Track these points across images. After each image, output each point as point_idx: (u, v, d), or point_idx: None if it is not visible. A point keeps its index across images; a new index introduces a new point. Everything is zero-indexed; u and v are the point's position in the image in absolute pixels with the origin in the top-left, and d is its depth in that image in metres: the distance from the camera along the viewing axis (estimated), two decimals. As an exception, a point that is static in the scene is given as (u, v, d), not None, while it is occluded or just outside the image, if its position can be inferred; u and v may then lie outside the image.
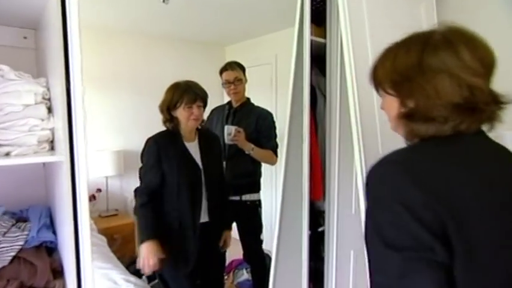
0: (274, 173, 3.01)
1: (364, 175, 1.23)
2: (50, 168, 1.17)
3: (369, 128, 1.29)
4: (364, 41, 1.31)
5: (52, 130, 1.04)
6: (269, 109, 2.08)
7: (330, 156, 1.53)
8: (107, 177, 2.60)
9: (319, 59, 1.55)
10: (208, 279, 1.67)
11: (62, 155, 0.94)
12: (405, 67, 0.66)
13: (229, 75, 1.93)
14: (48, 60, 1.09)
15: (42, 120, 1.03)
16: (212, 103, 2.60)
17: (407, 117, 0.67)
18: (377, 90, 0.76)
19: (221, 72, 1.98)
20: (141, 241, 1.41)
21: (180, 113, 1.52)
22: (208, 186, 1.57)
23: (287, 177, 1.51)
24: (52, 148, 1.07)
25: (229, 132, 1.77)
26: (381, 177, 0.61)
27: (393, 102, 0.71)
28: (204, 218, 1.57)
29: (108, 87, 2.81)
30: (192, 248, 1.50)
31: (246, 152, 1.82)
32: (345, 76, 1.34)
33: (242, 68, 1.97)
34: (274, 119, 2.00)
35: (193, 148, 1.58)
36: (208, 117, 2.13)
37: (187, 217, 1.50)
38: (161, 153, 1.50)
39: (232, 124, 1.91)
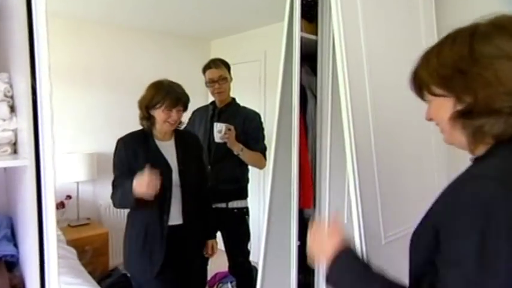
0: (261, 178, 3.03)
1: (357, 181, 1.24)
2: (12, 174, 1.14)
3: (362, 131, 1.30)
4: (357, 38, 1.33)
5: (15, 131, 1.00)
6: (257, 110, 2.09)
7: (320, 161, 1.54)
8: (77, 183, 2.54)
9: (310, 57, 1.55)
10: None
11: (26, 159, 0.91)
12: (455, 60, 0.63)
13: (213, 73, 1.92)
14: (11, 54, 1.05)
15: (4, 120, 1.00)
16: (196, 102, 2.59)
17: (467, 115, 0.62)
18: (421, 95, 0.70)
19: (204, 70, 1.97)
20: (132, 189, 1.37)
21: (158, 114, 1.55)
22: (184, 188, 1.58)
23: (275, 183, 1.51)
24: (15, 151, 1.03)
25: (220, 129, 1.76)
26: (480, 196, 0.55)
27: (445, 103, 0.65)
28: (177, 220, 1.58)
29: (79, 82, 2.74)
30: (158, 248, 1.52)
31: (235, 153, 1.82)
32: (337, 76, 1.35)
33: (227, 66, 1.97)
34: (262, 120, 2.00)
35: (168, 148, 1.60)
36: (190, 119, 2.12)
37: (154, 218, 1.52)
38: (130, 156, 1.53)
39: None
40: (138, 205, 1.42)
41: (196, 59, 3.67)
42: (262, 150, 1.92)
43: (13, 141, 1.03)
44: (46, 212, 0.88)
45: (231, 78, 1.99)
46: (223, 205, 1.95)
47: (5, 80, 1.04)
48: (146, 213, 1.53)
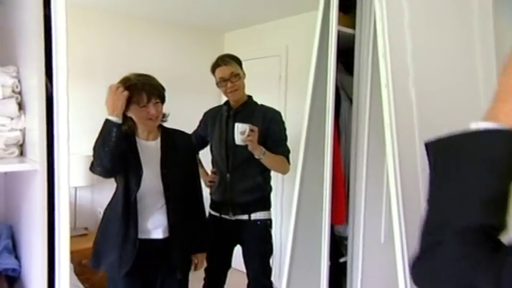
0: (280, 185, 3.02)
1: (400, 196, 1.23)
2: (15, 178, 1.16)
3: (406, 140, 1.29)
4: (402, 35, 1.32)
5: (23, 131, 1.03)
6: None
7: (355, 171, 1.54)
8: (75, 188, 2.57)
9: (344, 53, 1.55)
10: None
11: (36, 163, 0.92)
12: None
13: (223, 71, 1.92)
14: (19, 45, 1.07)
15: (12, 119, 1.01)
16: (208, 102, 2.61)
17: None
18: None
19: (213, 69, 1.97)
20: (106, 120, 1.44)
21: (135, 113, 1.56)
22: (169, 195, 1.58)
23: (302, 194, 1.51)
24: (21, 153, 1.05)
25: (243, 130, 1.75)
26: None
27: None
28: (157, 233, 1.59)
29: (78, 77, 2.77)
30: (128, 260, 1.52)
31: (257, 157, 1.82)
32: (377, 75, 1.34)
33: (238, 61, 1.96)
34: (283, 118, 2.01)
35: (151, 149, 1.61)
36: (201, 121, 2.14)
37: (131, 231, 1.53)
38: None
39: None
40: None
41: (208, 53, 3.64)
42: (286, 153, 1.92)
43: (20, 142, 1.05)
44: (59, 222, 0.90)
45: (244, 74, 1.99)
46: (245, 217, 1.95)
47: (12, 74, 1.05)
48: (120, 224, 1.54)
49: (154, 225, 1.58)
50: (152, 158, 1.60)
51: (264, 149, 1.82)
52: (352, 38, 1.53)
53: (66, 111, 0.89)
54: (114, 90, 1.45)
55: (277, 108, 2.19)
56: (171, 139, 1.68)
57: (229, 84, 1.91)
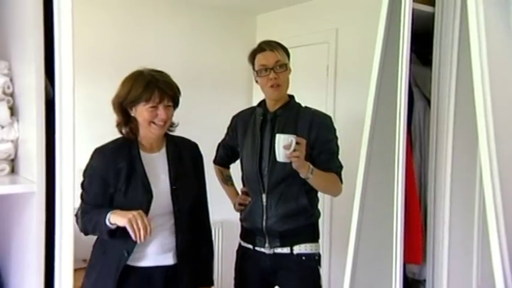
0: (328, 209, 2.98)
1: (503, 231, 1.16)
2: (5, 202, 1.16)
3: (508, 151, 1.23)
4: (500, 9, 1.27)
5: (15, 143, 1.03)
6: (324, 111, 2.07)
7: (435, 194, 1.48)
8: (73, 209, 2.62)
9: (419, 39, 1.51)
10: None
11: (32, 183, 0.93)
12: None
13: (267, 58, 1.91)
14: (12, 33, 1.09)
15: (2, 127, 1.02)
16: (237, 103, 2.58)
17: None
18: None
19: (253, 55, 1.97)
20: (107, 218, 1.53)
21: (140, 114, 1.62)
22: (179, 215, 1.66)
23: (363, 223, 1.47)
24: (12, 170, 1.06)
25: (287, 143, 1.70)
26: None
27: None
28: (163, 259, 1.66)
29: (82, 71, 2.84)
30: None
31: (303, 176, 1.80)
32: (464, 66, 1.30)
33: (286, 51, 1.97)
34: (335, 126, 1.99)
35: (157, 162, 1.69)
36: (229, 128, 2.14)
37: (120, 255, 1.60)
38: (108, 172, 1.61)
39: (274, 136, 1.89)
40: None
41: (235, 41, 3.68)
42: (338, 169, 1.89)
43: (12, 157, 1.06)
44: (60, 259, 0.89)
45: (290, 69, 1.99)
46: (286, 250, 1.91)
47: (3, 71, 1.06)
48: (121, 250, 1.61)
49: (163, 250, 1.65)
50: (159, 173, 1.67)
51: (311, 167, 1.78)
52: (430, 18, 1.48)
53: (71, 117, 0.89)
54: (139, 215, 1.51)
55: (324, 109, 2.16)
56: (177, 148, 1.75)
57: (271, 75, 1.90)
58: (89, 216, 1.60)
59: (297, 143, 1.69)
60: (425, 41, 1.54)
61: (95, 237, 2.58)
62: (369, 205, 1.48)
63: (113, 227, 1.53)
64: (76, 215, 1.64)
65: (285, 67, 1.91)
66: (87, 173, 1.66)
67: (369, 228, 1.48)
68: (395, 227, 1.39)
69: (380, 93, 1.48)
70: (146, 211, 1.57)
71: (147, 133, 1.66)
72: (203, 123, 2.98)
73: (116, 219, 1.50)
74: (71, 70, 0.88)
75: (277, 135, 1.72)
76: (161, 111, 1.60)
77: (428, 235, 1.51)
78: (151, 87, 1.58)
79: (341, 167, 1.90)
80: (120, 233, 1.55)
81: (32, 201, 0.94)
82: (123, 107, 1.64)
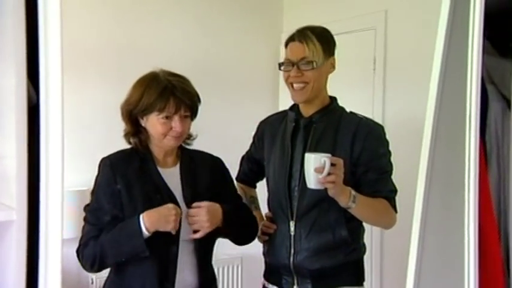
0: (378, 242, 2.93)
1: None
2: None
3: None
4: None
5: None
6: (370, 115, 2.07)
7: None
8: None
9: (492, 22, 1.52)
10: None
11: (10, 209, 0.96)
12: None
13: (293, 50, 1.92)
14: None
15: (-27, 140, 1.06)
16: (262, 108, 2.59)
17: None
18: None
19: (286, 44, 2.01)
20: (137, 223, 1.66)
21: (152, 125, 1.74)
22: (199, 241, 1.77)
23: (424, 264, 1.46)
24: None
25: (320, 165, 1.68)
26: None
27: None
28: None
29: (69, 72, 2.89)
30: None
31: (342, 206, 1.80)
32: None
33: (324, 45, 1.96)
34: (387, 137, 1.99)
35: (171, 179, 1.80)
36: (255, 137, 2.19)
37: None
38: (118, 185, 1.73)
39: (306, 150, 1.89)
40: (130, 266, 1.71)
41: (257, 29, 3.68)
42: (390, 194, 1.91)
43: (-15, 177, 1.10)
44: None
45: (333, 66, 1.99)
46: (323, 294, 1.95)
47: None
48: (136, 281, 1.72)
49: (182, 284, 1.77)
50: (175, 192, 1.78)
51: (353, 193, 1.78)
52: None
53: (60, 127, 0.92)
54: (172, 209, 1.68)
55: (370, 114, 2.17)
56: (194, 165, 1.86)
57: (293, 72, 1.92)
58: (107, 238, 1.69)
59: (332, 164, 1.69)
60: (503, 25, 1.54)
61: (84, 273, 2.61)
62: (431, 240, 1.47)
63: (149, 234, 1.65)
64: (78, 251, 1.75)
65: (312, 65, 1.91)
66: (96, 188, 1.78)
67: (432, 269, 1.48)
68: (466, 268, 1.38)
69: (443, 92, 1.47)
70: (177, 236, 1.71)
71: (160, 146, 1.78)
72: (216, 133, 3.06)
73: (152, 223, 1.64)
74: (59, 70, 0.92)
75: (306, 155, 1.74)
76: (176, 123, 1.70)
77: None
78: (166, 94, 1.67)
79: (395, 190, 1.92)
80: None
81: (10, 232, 0.98)
82: (132, 115, 1.74)
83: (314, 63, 1.91)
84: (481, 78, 1.48)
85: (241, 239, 1.98)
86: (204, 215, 1.72)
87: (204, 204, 1.74)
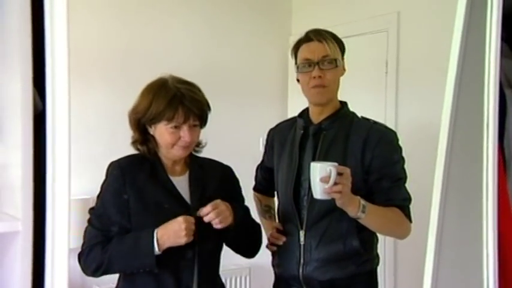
0: (392, 253, 2.92)
1: None
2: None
3: None
4: None
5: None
6: (382, 121, 2.08)
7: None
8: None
9: (510, 23, 1.52)
10: None
11: (15, 220, 0.96)
12: None
13: (312, 49, 1.92)
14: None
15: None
16: (267, 116, 2.57)
17: None
18: None
19: (298, 45, 2.01)
20: (151, 240, 1.68)
21: (160, 134, 1.77)
22: (201, 253, 1.79)
23: (441, 276, 1.46)
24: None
25: (326, 175, 1.68)
26: None
27: None
28: None
29: (80, 77, 2.91)
30: None
31: (351, 216, 1.80)
32: None
33: (340, 44, 2.00)
34: (400, 143, 1.99)
35: (180, 187, 1.83)
36: (267, 144, 2.21)
37: None
38: (126, 195, 1.76)
39: (316, 158, 1.92)
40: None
41: (265, 32, 3.65)
42: (404, 202, 1.91)
43: (-11, 186, 1.11)
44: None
45: (344, 69, 2.00)
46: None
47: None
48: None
49: None
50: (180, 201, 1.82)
51: (363, 202, 1.77)
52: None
53: (67, 136, 0.93)
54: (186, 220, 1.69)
55: (382, 119, 2.16)
56: (204, 174, 1.89)
57: (315, 72, 1.91)
58: (118, 249, 1.72)
59: (339, 174, 1.68)
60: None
61: (87, 284, 2.63)
62: (447, 251, 1.46)
63: (160, 252, 1.68)
64: (80, 254, 1.77)
65: (334, 63, 1.92)
66: (103, 193, 1.80)
67: (449, 281, 1.47)
68: (485, 281, 1.37)
69: (459, 97, 1.47)
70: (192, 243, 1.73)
71: (168, 154, 1.82)
72: (224, 139, 3.08)
73: (164, 242, 1.67)
74: (66, 77, 0.93)
75: (312, 164, 1.73)
76: (185, 133, 1.73)
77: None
78: (175, 104, 1.70)
79: (409, 199, 1.91)
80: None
81: (15, 243, 0.98)
82: (141, 123, 1.77)
83: (337, 61, 1.93)
84: (500, 83, 1.48)
85: (245, 248, 2.00)
86: (223, 205, 1.74)
87: (218, 201, 1.75)
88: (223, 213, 1.72)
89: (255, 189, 2.29)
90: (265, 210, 2.26)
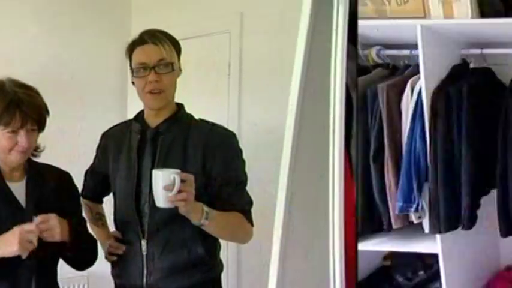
0: (235, 258, 2.93)
1: None
2: None
3: None
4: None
5: None
6: (223, 121, 2.09)
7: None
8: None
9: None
10: None
11: None
12: None
13: (147, 53, 1.90)
14: None
15: None
16: (105, 119, 2.49)
17: None
18: None
19: (132, 48, 1.98)
20: None
21: None
22: (39, 264, 1.76)
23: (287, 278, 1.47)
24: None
25: (169, 183, 1.69)
26: None
27: None
28: None
29: None
30: None
31: (195, 223, 1.79)
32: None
33: (175, 45, 1.99)
34: (240, 145, 2.02)
35: (18, 194, 1.81)
36: (98, 148, 2.15)
37: None
38: None
39: (155, 165, 1.89)
40: None
41: (103, 30, 3.60)
42: (245, 206, 1.93)
43: None
44: None
45: (180, 70, 1.99)
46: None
47: None
48: None
49: None
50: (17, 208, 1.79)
51: (206, 209, 1.78)
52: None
53: None
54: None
55: (225, 122, 2.15)
56: (41, 180, 1.86)
57: (151, 76, 1.88)
58: None
59: (182, 181, 1.69)
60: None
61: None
62: (293, 252, 1.48)
63: None
64: None
65: (171, 67, 1.91)
66: None
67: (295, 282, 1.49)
68: (332, 279, 1.40)
69: (304, 100, 1.49)
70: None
71: (5, 160, 1.78)
72: (63, 144, 3.03)
73: None
74: None
75: (154, 172, 1.73)
76: (22, 138, 1.71)
77: None
78: (12, 109, 1.68)
79: (250, 203, 1.94)
80: None
81: None
82: None
83: (173, 65, 1.91)
84: (345, 85, 1.52)
85: (81, 260, 1.96)
86: (54, 220, 1.71)
87: (52, 215, 1.71)
88: (53, 229, 1.69)
89: (83, 195, 2.18)
90: (97, 218, 2.19)
